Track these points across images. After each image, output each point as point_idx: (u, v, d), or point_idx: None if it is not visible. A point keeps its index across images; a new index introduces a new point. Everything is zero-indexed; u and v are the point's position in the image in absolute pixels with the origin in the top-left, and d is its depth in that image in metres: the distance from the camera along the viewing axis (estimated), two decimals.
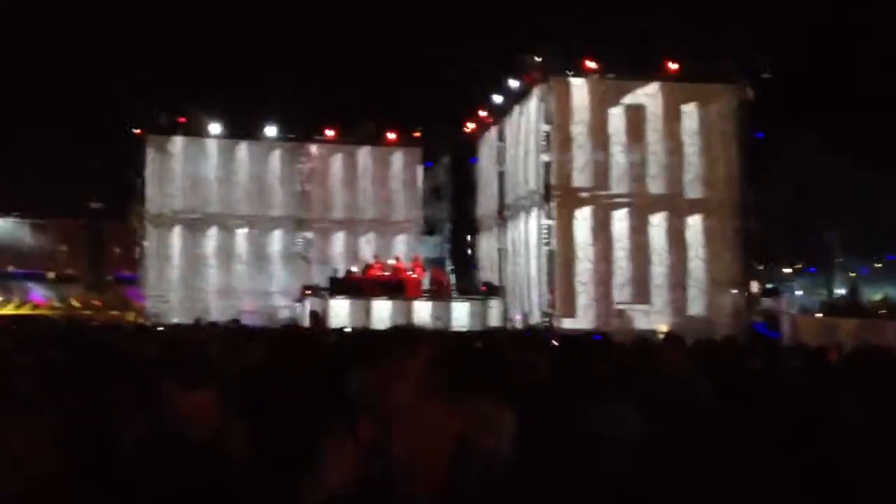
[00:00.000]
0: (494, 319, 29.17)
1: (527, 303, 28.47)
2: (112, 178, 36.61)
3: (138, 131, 32.67)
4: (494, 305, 29.69)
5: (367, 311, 28.15)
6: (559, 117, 26.79)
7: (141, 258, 33.05)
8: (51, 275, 39.86)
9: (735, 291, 27.04)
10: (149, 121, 32.72)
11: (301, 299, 30.28)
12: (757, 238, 27.29)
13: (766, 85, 26.79)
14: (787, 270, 40.72)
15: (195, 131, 33.22)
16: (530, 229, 28.28)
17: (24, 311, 36.47)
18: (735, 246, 27.17)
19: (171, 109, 32.89)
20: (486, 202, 33.41)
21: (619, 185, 27.16)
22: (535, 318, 27.31)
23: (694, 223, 27.26)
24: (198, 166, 33.29)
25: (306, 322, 25.86)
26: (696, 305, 27.06)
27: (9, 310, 35.85)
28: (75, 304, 38.12)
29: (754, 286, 27.48)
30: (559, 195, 26.77)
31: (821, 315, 29.60)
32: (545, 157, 26.73)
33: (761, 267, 28.20)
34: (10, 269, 39.05)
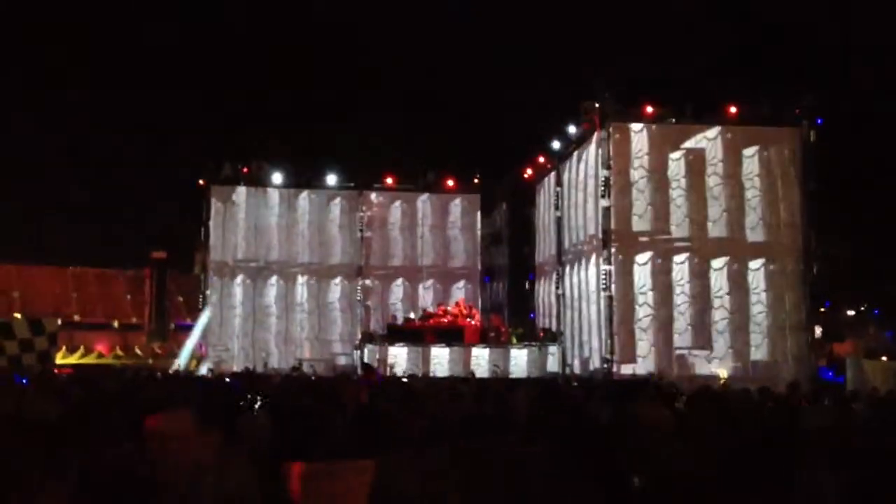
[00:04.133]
0: (553, 365, 29.05)
1: (586, 348, 28.23)
2: (175, 227, 37.39)
3: (202, 182, 33.34)
4: (553, 351, 29.53)
5: (426, 358, 28.17)
6: (618, 162, 26.70)
7: (203, 306, 33.47)
8: (115, 323, 40.46)
9: (798, 335, 26.60)
10: (212, 171, 33.43)
11: (360, 347, 30.41)
12: (820, 282, 26.86)
13: (829, 127, 26.58)
14: (851, 313, 39.96)
15: (258, 181, 33.78)
16: (589, 275, 28.11)
17: (88, 360, 37.00)
18: (798, 290, 26.72)
19: (234, 160, 33.61)
20: (544, 248, 33.34)
21: (679, 229, 26.92)
22: (595, 364, 27.08)
23: (756, 267, 26.87)
24: (260, 215, 33.75)
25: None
26: (758, 351, 26.60)
27: (74, 359, 36.38)
28: (139, 352, 38.61)
29: (818, 330, 26.96)
30: (618, 240, 26.60)
31: (886, 359, 28.88)
32: (604, 203, 26.58)
33: (824, 310, 27.66)
34: (76, 318, 39.70)
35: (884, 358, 27.87)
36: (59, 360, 32.95)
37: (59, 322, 34.96)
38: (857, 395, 14.39)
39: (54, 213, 39.40)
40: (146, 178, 39.60)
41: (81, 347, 38.26)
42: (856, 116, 30.60)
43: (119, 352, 38.78)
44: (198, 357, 33.31)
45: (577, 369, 28.38)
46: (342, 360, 32.37)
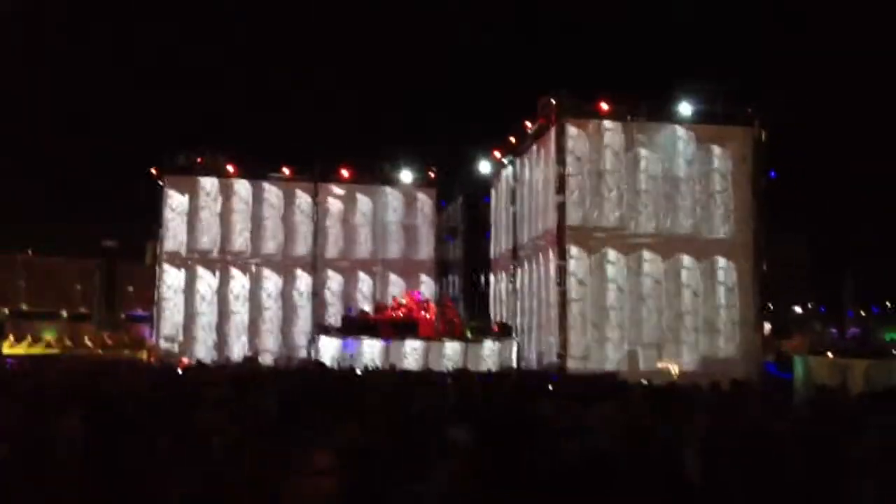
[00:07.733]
0: (508, 359, 29.14)
1: (541, 343, 28.39)
2: (127, 217, 36.93)
3: (156, 171, 32.87)
4: (508, 345, 29.62)
5: (379, 351, 28.09)
6: (573, 158, 26.88)
7: (156, 297, 33.02)
8: (64, 313, 39.85)
9: (748, 332, 26.98)
10: (167, 161, 32.97)
11: (314, 339, 30.26)
12: (770, 279, 27.27)
13: (780, 127, 27.00)
14: (799, 311, 40.69)
15: (213, 171, 33.37)
16: (544, 270, 28.27)
17: (36, 349, 36.41)
18: (748, 287, 27.14)
19: (189, 149, 33.18)
20: (500, 242, 33.46)
21: (632, 226, 27.19)
22: (549, 359, 27.23)
23: (707, 264, 27.24)
24: (215, 206, 33.34)
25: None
26: (709, 347, 26.95)
27: (21, 349, 35.78)
28: (88, 342, 38.07)
29: (767, 327, 27.40)
30: (573, 236, 26.78)
31: (831, 355, 29.35)
32: (559, 198, 26.78)
33: (773, 307, 28.11)
34: (24, 307, 39.08)
35: (829, 354, 28.32)
36: (5, 349, 32.52)
37: (7, 311, 34.50)
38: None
39: (2, 202, 38.65)
40: (99, 166, 39.02)
41: (29, 337, 37.63)
42: (808, 116, 31.09)
43: (68, 342, 38.16)
44: (148, 347, 32.96)
45: (532, 363, 28.49)
46: (300, 352, 32.12)
